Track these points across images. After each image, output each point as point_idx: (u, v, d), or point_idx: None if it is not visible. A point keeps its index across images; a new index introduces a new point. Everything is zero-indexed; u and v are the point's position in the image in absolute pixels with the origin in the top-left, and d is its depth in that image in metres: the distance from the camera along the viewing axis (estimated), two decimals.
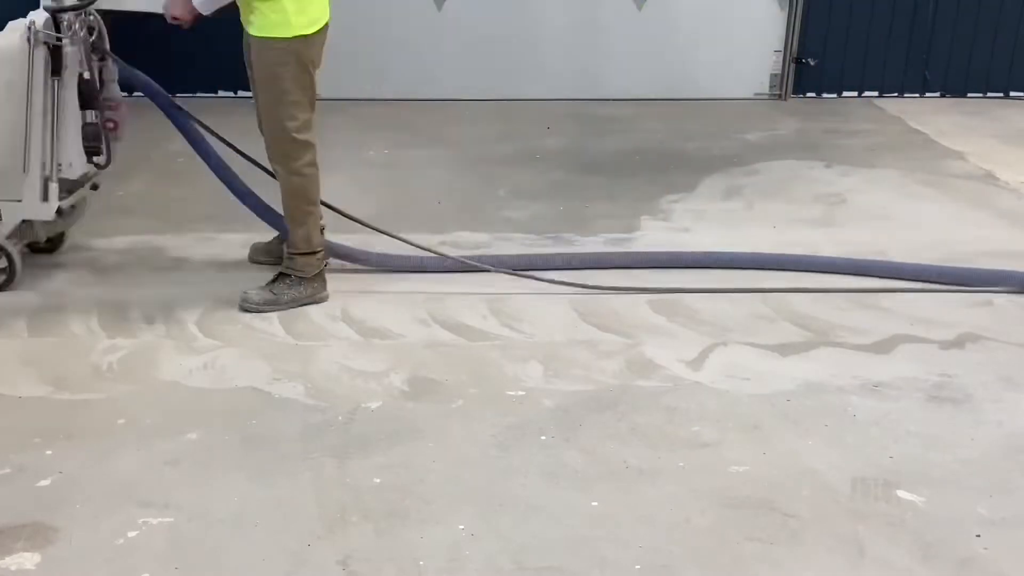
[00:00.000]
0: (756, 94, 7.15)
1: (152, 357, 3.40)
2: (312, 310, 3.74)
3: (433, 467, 2.80)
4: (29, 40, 3.67)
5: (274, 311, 3.72)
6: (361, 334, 3.59)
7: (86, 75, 3.87)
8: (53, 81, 3.76)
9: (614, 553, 2.46)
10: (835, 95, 7.19)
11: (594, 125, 6.38)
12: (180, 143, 6.02)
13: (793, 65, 7.07)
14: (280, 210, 3.86)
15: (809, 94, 7.18)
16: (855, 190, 5.20)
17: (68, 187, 3.95)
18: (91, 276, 4.06)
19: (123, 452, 2.86)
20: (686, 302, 3.84)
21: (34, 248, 4.13)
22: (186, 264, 4.20)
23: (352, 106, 6.75)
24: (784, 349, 3.50)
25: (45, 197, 3.83)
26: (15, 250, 3.86)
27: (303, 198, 3.77)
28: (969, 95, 7.18)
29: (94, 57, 3.94)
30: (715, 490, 2.71)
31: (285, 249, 3.85)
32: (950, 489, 2.73)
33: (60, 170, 3.84)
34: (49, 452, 2.85)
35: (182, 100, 6.81)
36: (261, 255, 4.17)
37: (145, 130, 6.14)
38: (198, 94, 6.95)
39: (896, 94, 7.18)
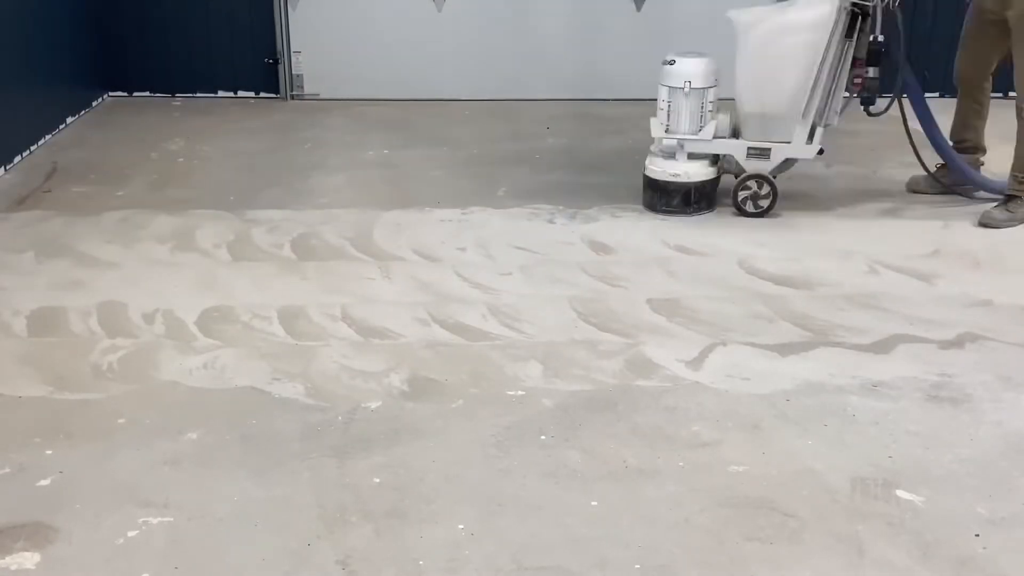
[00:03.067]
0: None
1: (152, 357, 3.40)
2: (312, 310, 3.74)
3: (433, 467, 2.81)
4: (839, 8, 4.45)
5: (1011, 226, 4.63)
6: (361, 334, 3.59)
7: (880, 38, 4.55)
8: (845, 42, 4.52)
9: (614, 553, 2.46)
10: None
11: (594, 125, 6.37)
12: (180, 143, 6.04)
13: None
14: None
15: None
16: (856, 189, 5.20)
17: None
18: None
19: (123, 452, 2.86)
20: (686, 302, 3.85)
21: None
22: None
23: (352, 106, 6.75)
24: (784, 349, 3.50)
25: (812, 139, 4.65)
26: (776, 184, 4.72)
27: None
28: None
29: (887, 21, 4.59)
30: (715, 490, 2.71)
31: (1012, 175, 4.79)
32: (949, 489, 2.73)
33: (828, 117, 4.65)
34: (49, 452, 2.85)
35: (182, 100, 6.94)
36: (921, 185, 5.09)
37: (146, 130, 6.19)
38: (198, 94, 6.96)
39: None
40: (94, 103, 6.70)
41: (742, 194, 4.75)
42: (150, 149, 5.79)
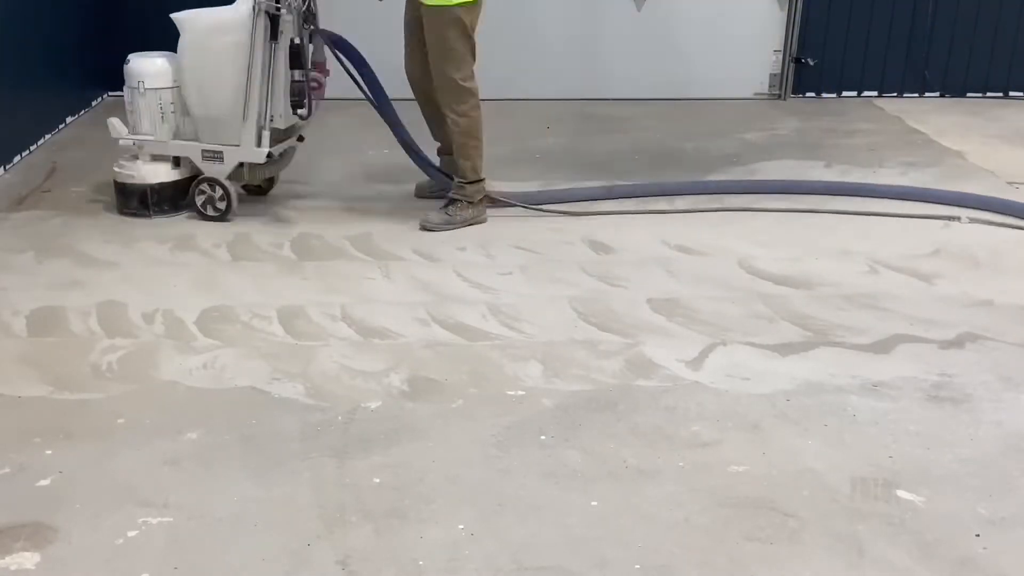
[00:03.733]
0: (755, 94, 7.16)
1: (152, 357, 3.40)
2: (312, 310, 3.74)
3: (433, 467, 2.81)
4: (254, 9, 4.38)
5: (449, 230, 4.54)
6: (361, 334, 3.59)
7: (296, 40, 4.50)
8: (270, 44, 4.45)
9: (614, 553, 2.46)
10: (834, 95, 7.19)
11: (594, 125, 6.38)
12: None
13: (793, 65, 7.08)
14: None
15: (808, 94, 7.19)
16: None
17: (278, 136, 4.65)
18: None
19: (123, 452, 2.86)
20: (686, 302, 3.85)
21: (249, 190, 4.90)
22: None
23: (352, 106, 6.69)
24: (783, 349, 3.50)
25: (259, 143, 4.55)
26: (232, 187, 4.63)
27: (470, 135, 4.61)
28: (968, 95, 7.19)
29: (305, 26, 4.59)
30: (714, 490, 2.71)
31: (455, 179, 4.65)
32: (949, 489, 2.73)
33: (272, 120, 4.55)
34: (49, 452, 2.85)
35: None
36: (425, 191, 4.99)
37: None
38: None
39: (895, 94, 7.19)
40: (94, 103, 6.70)
41: (199, 198, 4.66)
42: None
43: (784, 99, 7.13)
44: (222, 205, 4.64)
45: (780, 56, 7.10)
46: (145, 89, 4.61)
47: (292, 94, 4.52)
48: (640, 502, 2.66)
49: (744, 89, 7.12)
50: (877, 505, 2.65)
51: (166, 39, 6.74)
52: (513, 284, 4.02)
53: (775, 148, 5.90)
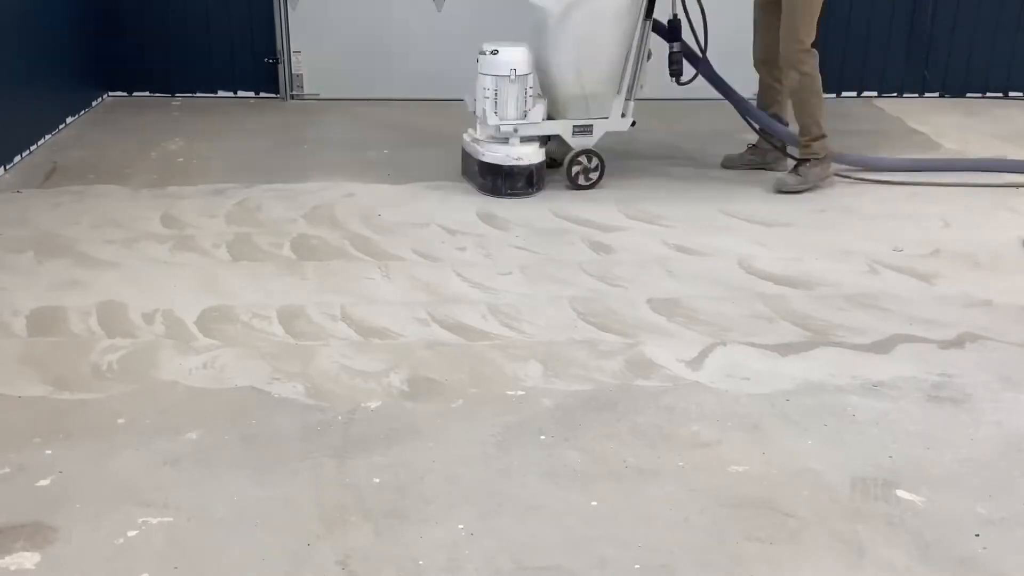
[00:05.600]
0: (755, 94, 7.14)
1: (152, 357, 3.40)
2: (312, 310, 3.74)
3: (432, 467, 2.81)
4: None
5: (805, 190, 4.98)
6: (360, 334, 3.59)
7: (678, 15, 5.02)
8: (646, 22, 4.93)
9: (614, 553, 2.46)
10: (834, 95, 7.16)
11: None
12: (179, 143, 6.06)
13: None
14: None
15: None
16: (856, 190, 5.20)
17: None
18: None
19: (123, 452, 2.86)
20: (686, 302, 3.85)
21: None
22: None
23: (352, 106, 6.76)
24: (783, 349, 3.50)
25: (625, 113, 5.08)
26: (602, 156, 5.10)
27: (813, 91, 5.02)
28: (968, 95, 7.18)
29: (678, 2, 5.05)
30: (714, 490, 2.71)
31: (799, 138, 5.12)
32: (949, 489, 2.73)
33: (640, 91, 5.07)
34: (49, 452, 2.85)
35: (182, 99, 6.95)
36: (735, 162, 5.48)
37: (145, 130, 6.19)
38: (197, 94, 6.96)
39: (895, 94, 7.19)
40: (94, 103, 6.70)
41: (575, 168, 5.08)
42: (150, 149, 5.79)
43: None
44: (595, 175, 5.11)
45: None
46: (517, 76, 4.92)
47: (671, 63, 5.05)
48: (640, 502, 2.66)
49: (744, 89, 7.09)
50: (877, 505, 2.65)
51: (166, 39, 6.80)
52: (513, 284, 4.02)
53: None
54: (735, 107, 5.38)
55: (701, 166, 5.56)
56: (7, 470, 2.77)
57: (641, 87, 5.09)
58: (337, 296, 3.87)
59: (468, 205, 4.88)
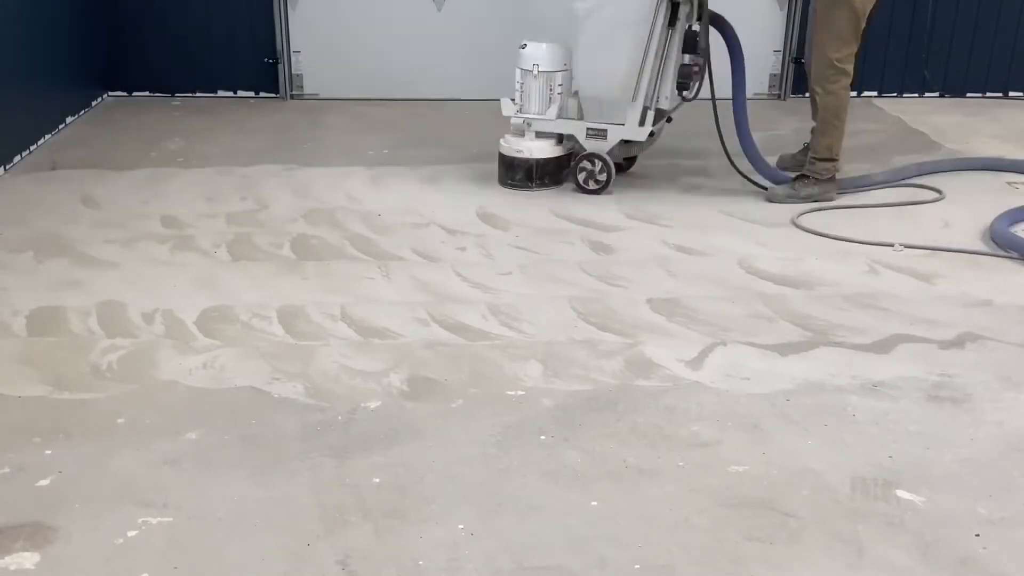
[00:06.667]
0: (755, 94, 7.14)
1: (151, 357, 3.40)
2: (311, 310, 3.74)
3: (432, 467, 2.81)
4: None
5: (793, 203, 4.86)
6: (360, 334, 3.59)
7: (694, 27, 4.92)
8: (668, 31, 4.83)
9: (614, 553, 2.46)
10: None
11: None
12: (179, 142, 6.05)
13: (792, 65, 7.07)
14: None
15: (808, 94, 7.17)
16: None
17: (657, 116, 5.01)
18: None
19: (122, 452, 2.86)
20: (686, 302, 3.85)
21: (618, 167, 5.16)
22: None
23: (352, 106, 6.76)
24: (783, 348, 3.50)
25: (643, 122, 4.93)
26: (611, 162, 5.02)
27: (834, 113, 4.86)
28: (968, 95, 7.18)
29: (696, 15, 4.95)
30: (714, 490, 2.71)
31: (808, 155, 4.99)
32: (949, 489, 2.73)
33: (658, 101, 4.95)
34: (49, 452, 2.85)
35: (182, 99, 6.95)
36: (787, 162, 5.37)
37: (145, 130, 6.19)
38: (197, 94, 6.96)
39: (895, 94, 7.19)
40: (94, 103, 6.70)
41: (581, 173, 5.06)
42: (150, 149, 5.79)
43: (784, 99, 7.13)
44: (602, 178, 5.03)
45: (780, 56, 7.09)
46: (539, 72, 4.98)
47: (680, 76, 4.92)
48: (640, 502, 2.66)
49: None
50: (877, 505, 2.65)
51: (166, 39, 6.80)
52: (513, 284, 4.02)
53: (776, 148, 5.88)
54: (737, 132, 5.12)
55: (701, 166, 5.55)
56: (7, 470, 2.77)
57: (667, 98, 4.96)
58: (337, 296, 3.87)
59: (468, 205, 4.89)
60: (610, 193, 5.02)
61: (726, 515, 2.61)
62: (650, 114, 4.94)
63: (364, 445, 2.90)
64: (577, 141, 5.09)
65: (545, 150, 5.09)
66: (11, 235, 4.47)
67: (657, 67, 4.85)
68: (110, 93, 6.92)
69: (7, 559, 2.41)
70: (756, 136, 6.16)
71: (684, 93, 5.01)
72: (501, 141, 5.17)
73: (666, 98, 4.95)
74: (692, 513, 2.61)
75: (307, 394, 3.18)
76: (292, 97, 6.97)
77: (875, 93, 7.17)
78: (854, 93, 7.06)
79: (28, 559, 2.42)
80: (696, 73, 4.95)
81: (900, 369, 3.36)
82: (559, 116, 5.06)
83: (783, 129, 6.36)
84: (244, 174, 5.34)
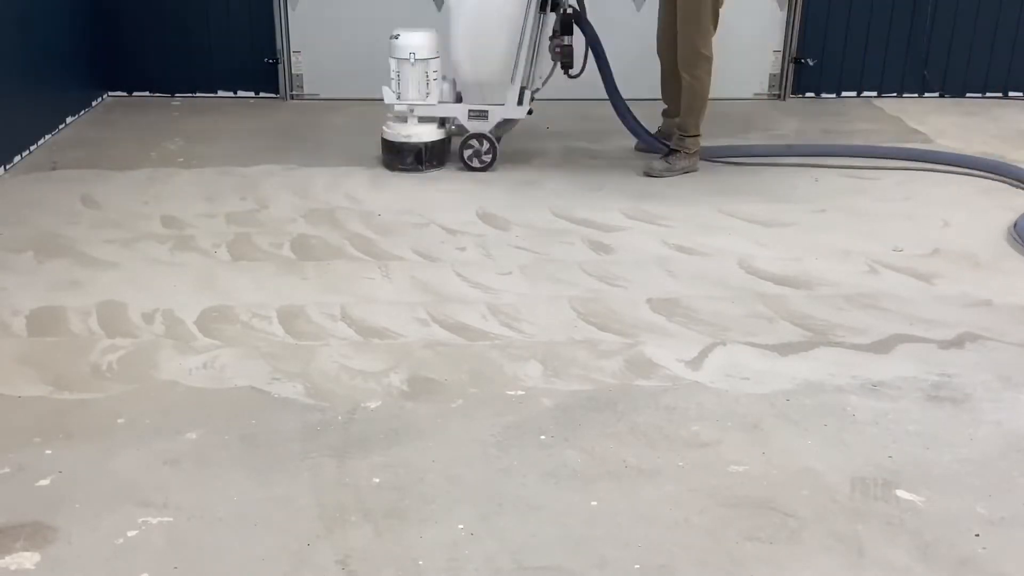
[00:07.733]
0: (755, 94, 7.15)
1: (151, 357, 3.40)
2: (311, 310, 3.74)
3: (432, 467, 2.81)
4: None
5: (669, 177, 5.29)
6: (360, 334, 3.59)
7: (570, 10, 5.22)
8: (540, 15, 5.17)
9: (614, 553, 2.46)
10: (834, 95, 7.19)
11: (594, 125, 6.37)
12: (179, 143, 6.05)
13: (792, 65, 7.07)
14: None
15: (808, 94, 7.18)
16: (856, 190, 5.20)
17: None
18: None
19: (122, 452, 2.86)
20: (686, 302, 3.85)
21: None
22: None
23: (352, 106, 6.75)
24: (783, 348, 3.50)
25: (521, 101, 5.30)
26: (495, 141, 5.35)
27: (700, 95, 5.26)
28: (968, 95, 7.18)
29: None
30: (714, 490, 2.71)
31: (676, 132, 5.38)
32: (949, 489, 2.73)
33: (533, 83, 5.30)
34: (49, 452, 2.85)
35: (182, 99, 6.95)
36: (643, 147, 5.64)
37: (145, 130, 6.19)
38: (197, 94, 6.96)
39: (895, 94, 7.19)
40: (94, 103, 6.70)
41: (467, 151, 5.35)
42: (150, 149, 5.79)
43: (784, 99, 7.13)
44: (487, 157, 5.35)
45: (780, 56, 7.10)
46: (416, 60, 5.24)
47: (563, 56, 5.23)
48: (640, 502, 2.66)
49: (744, 90, 7.11)
50: (877, 505, 2.65)
51: (166, 39, 6.80)
52: (513, 284, 4.02)
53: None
54: (613, 107, 5.47)
55: (701, 166, 5.55)
56: (7, 470, 2.77)
57: (541, 79, 5.33)
58: (337, 296, 3.87)
59: (468, 205, 4.89)
60: (494, 171, 5.31)
61: (726, 515, 2.61)
62: (527, 94, 5.29)
63: (364, 445, 2.90)
64: (458, 123, 5.36)
65: (432, 134, 5.34)
66: (11, 235, 4.47)
67: (532, 50, 5.20)
68: (110, 93, 6.92)
69: (7, 559, 2.42)
70: (757, 136, 6.20)
71: (570, 72, 5.30)
72: (384, 128, 5.39)
73: (540, 78, 5.34)
74: (692, 513, 2.61)
75: (307, 394, 3.18)
76: (292, 97, 6.97)
77: (874, 93, 7.18)
78: (853, 93, 7.16)
79: (28, 559, 2.42)
80: (569, 52, 5.24)
81: (900, 369, 3.36)
82: (440, 101, 5.32)
83: (783, 129, 6.37)
84: (244, 174, 5.34)
